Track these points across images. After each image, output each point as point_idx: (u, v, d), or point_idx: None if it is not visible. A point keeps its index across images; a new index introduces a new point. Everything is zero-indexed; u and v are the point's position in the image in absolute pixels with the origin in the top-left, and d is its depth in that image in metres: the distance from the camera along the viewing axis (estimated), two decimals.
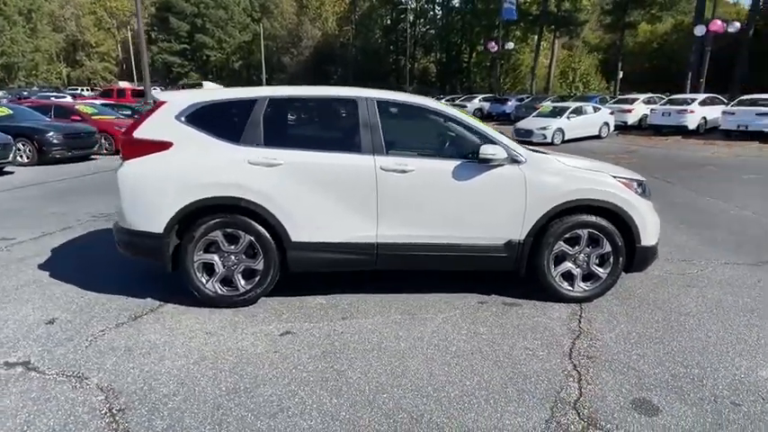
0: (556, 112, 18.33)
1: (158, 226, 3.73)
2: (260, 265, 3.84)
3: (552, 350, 3.28)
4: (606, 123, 19.04)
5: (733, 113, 17.15)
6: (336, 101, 4.11)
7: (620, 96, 24.96)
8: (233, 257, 3.83)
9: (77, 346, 3.27)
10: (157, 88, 30.89)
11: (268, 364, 3.08)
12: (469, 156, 3.89)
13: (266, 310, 3.87)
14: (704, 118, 18.62)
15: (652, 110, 19.79)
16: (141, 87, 29.75)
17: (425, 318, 3.76)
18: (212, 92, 4.14)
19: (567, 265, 4.01)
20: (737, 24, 21.94)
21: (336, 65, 65.26)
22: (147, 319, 3.68)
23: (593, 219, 3.91)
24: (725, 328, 3.62)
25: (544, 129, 17.41)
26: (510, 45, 35.29)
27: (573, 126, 17.92)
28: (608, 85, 46.45)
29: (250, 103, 3.89)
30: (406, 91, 49.90)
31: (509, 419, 2.56)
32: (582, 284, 4.04)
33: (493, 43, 33.69)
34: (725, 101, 19.64)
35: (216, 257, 3.83)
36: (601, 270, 4.02)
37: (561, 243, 3.95)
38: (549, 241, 3.91)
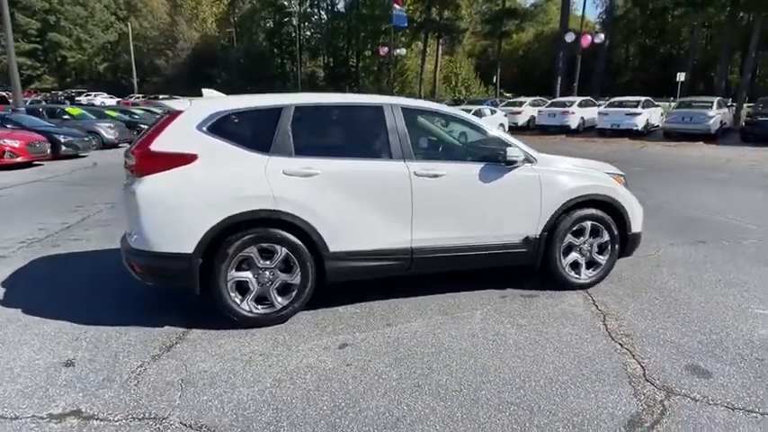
0: None
1: (188, 246, 3.44)
2: (296, 279, 3.70)
3: (593, 333, 3.62)
4: (502, 125, 20.61)
5: (607, 114, 19.61)
6: (362, 108, 4.11)
7: (509, 99, 27.11)
8: (267, 273, 3.65)
9: (124, 385, 2.92)
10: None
11: (350, 377, 3.02)
12: (489, 158, 4.12)
13: (305, 325, 3.74)
14: (582, 118, 21.03)
15: (539, 111, 21.88)
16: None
17: (464, 316, 3.91)
18: (232, 100, 3.90)
19: (574, 255, 4.41)
20: (602, 36, 25.08)
21: (219, 68, 62.23)
22: (183, 348, 3.37)
23: (594, 211, 4.35)
24: (709, 298, 4.25)
25: (450, 132, 18.33)
26: (402, 51, 36.62)
27: None
28: (486, 89, 50.17)
29: (276, 112, 3.74)
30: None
31: (604, 398, 2.81)
32: (586, 272, 4.47)
33: (386, 48, 34.70)
34: (596, 103, 22.34)
35: (250, 275, 3.62)
36: (601, 257, 4.48)
37: (569, 235, 4.34)
38: (560, 235, 4.28)
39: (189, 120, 3.57)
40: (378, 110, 3.98)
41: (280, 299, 3.71)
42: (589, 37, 23.67)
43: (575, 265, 4.43)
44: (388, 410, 2.69)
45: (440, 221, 3.97)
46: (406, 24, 36.86)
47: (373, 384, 2.95)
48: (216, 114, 3.62)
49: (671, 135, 18.55)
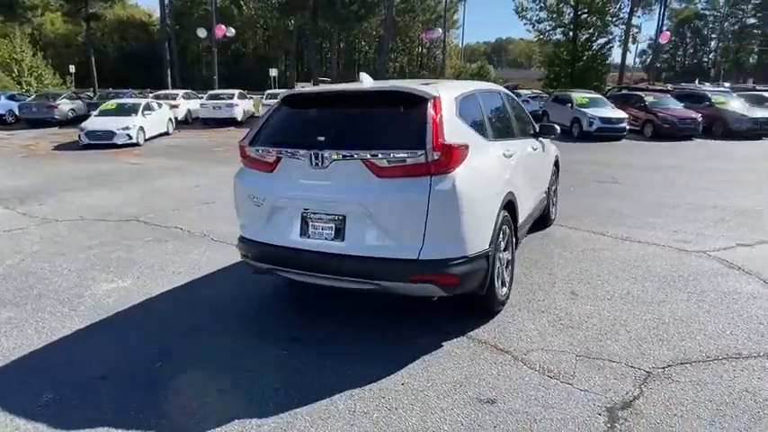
0: (128, 109, 16.88)
1: (486, 240, 3.29)
2: (510, 255, 3.94)
3: (635, 242, 5.45)
4: (170, 119, 19.16)
5: (269, 106, 21.20)
6: (497, 92, 4.45)
7: (160, 92, 24.52)
8: (501, 255, 3.76)
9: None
10: None
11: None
12: (531, 133, 5.21)
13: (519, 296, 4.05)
14: (244, 110, 21.97)
15: (202, 104, 21.33)
16: None
17: (564, 259, 5.01)
18: (453, 85, 3.57)
19: (551, 201, 6.08)
20: (233, 30, 26.03)
21: None
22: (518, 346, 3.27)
23: (555, 168, 6.14)
24: (637, 214, 6.76)
25: (127, 129, 15.88)
26: None
27: (151, 123, 17.21)
28: (63, 80, 42.70)
29: (475, 97, 3.78)
30: None
31: (726, 255, 4.73)
32: (553, 210, 6.23)
33: None
34: (246, 95, 23.61)
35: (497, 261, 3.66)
36: (554, 199, 6.32)
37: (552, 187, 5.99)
38: (552, 187, 5.86)
39: (449, 107, 3.25)
40: (498, 93, 4.48)
41: (507, 277, 3.87)
42: (223, 27, 24.25)
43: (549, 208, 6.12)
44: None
45: (536, 186, 4.89)
46: None
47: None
48: (456, 100, 3.39)
49: None
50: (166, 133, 18.67)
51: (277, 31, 57.32)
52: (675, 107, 17.18)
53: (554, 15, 31.03)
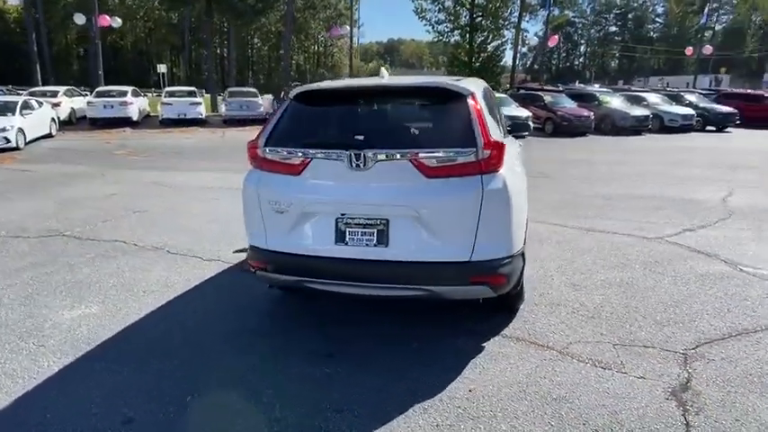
0: (1, 108, 14.58)
1: (522, 239, 3.27)
2: None
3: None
4: (53, 119, 16.94)
5: (171, 104, 19.64)
6: (491, 89, 4.42)
7: (36, 89, 21.31)
8: None
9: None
10: None
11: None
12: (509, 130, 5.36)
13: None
14: (140, 108, 20.04)
15: (89, 103, 19.07)
16: None
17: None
18: (472, 81, 3.45)
19: None
20: (119, 20, 23.53)
21: None
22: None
23: None
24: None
25: (4, 131, 13.76)
26: None
27: (32, 124, 15.06)
28: None
29: (487, 94, 3.75)
30: None
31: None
32: None
33: None
34: (140, 93, 21.62)
35: None
36: None
37: None
38: None
39: (482, 104, 3.16)
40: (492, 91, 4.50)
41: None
42: (107, 17, 21.84)
43: None
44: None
45: None
46: None
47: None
48: (483, 97, 3.33)
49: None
50: (49, 135, 16.49)
51: (159, 23, 53.32)
52: (571, 106, 18.77)
53: (452, 18, 32.27)
